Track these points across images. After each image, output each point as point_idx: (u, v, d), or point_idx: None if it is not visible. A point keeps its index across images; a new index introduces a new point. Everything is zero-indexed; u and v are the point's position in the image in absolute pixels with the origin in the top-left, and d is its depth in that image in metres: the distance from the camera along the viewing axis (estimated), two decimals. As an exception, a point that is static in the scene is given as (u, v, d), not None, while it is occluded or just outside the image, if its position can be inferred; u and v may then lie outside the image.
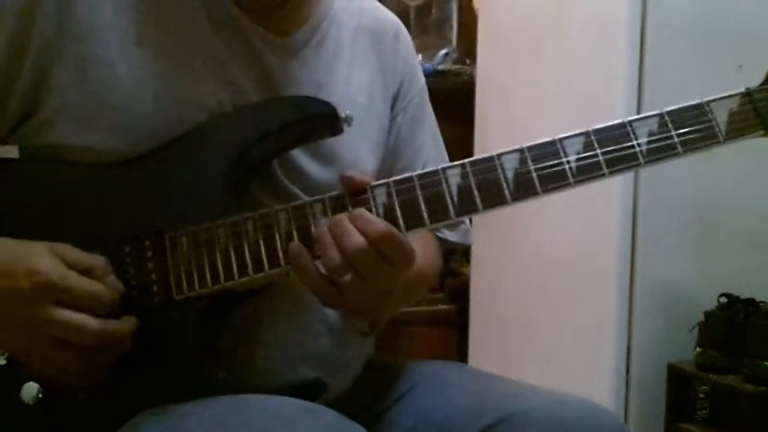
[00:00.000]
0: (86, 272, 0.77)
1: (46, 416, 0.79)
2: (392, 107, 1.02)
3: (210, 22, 0.87)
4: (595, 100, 1.88)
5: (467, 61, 2.67)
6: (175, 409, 0.76)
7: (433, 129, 1.08)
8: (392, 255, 0.77)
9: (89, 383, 0.78)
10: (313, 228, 0.79)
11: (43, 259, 0.75)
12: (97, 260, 0.78)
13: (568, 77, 2.00)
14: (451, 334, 2.61)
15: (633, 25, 1.83)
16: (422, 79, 1.08)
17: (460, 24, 2.77)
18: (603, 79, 1.88)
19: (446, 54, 2.67)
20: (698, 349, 1.79)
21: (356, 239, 0.76)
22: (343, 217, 0.77)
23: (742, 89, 0.83)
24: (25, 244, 0.77)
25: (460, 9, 2.78)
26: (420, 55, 2.62)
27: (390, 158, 1.01)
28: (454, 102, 2.51)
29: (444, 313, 2.59)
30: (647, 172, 1.83)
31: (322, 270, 0.78)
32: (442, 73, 2.65)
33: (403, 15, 2.67)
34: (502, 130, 2.26)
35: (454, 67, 2.69)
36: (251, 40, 0.89)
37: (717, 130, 0.81)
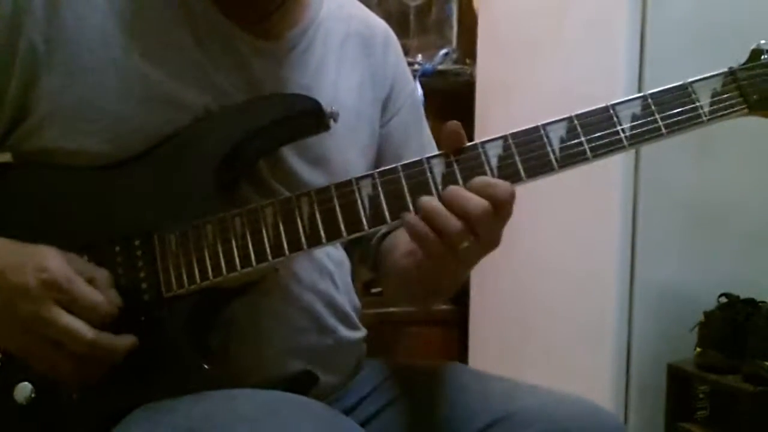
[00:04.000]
0: (89, 282, 0.78)
1: (39, 416, 0.80)
2: (384, 111, 1.03)
3: (193, 35, 0.88)
4: (595, 100, 1.87)
5: (467, 61, 2.67)
6: (166, 406, 0.76)
7: (425, 134, 1.09)
8: (509, 211, 0.78)
9: (82, 384, 0.79)
10: (412, 207, 0.78)
11: (54, 259, 0.77)
12: (101, 273, 0.80)
13: (568, 77, 2.00)
14: (451, 334, 2.61)
15: (633, 25, 1.83)
16: (412, 85, 1.10)
17: (460, 24, 2.76)
18: (603, 79, 1.88)
19: (446, 54, 2.66)
20: (698, 349, 1.79)
21: (478, 202, 0.75)
22: (459, 188, 0.77)
23: (725, 69, 0.83)
24: (37, 245, 0.78)
25: (460, 9, 2.77)
26: (420, 55, 2.62)
27: (390, 161, 1.01)
28: (454, 102, 2.51)
29: (444, 313, 2.58)
30: (647, 173, 1.83)
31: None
32: (442, 73, 2.64)
33: (403, 15, 2.67)
34: (502, 130, 2.25)
35: (454, 67, 2.68)
36: (237, 46, 0.90)
37: (701, 110, 0.81)
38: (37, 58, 0.83)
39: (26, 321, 0.75)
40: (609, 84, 1.86)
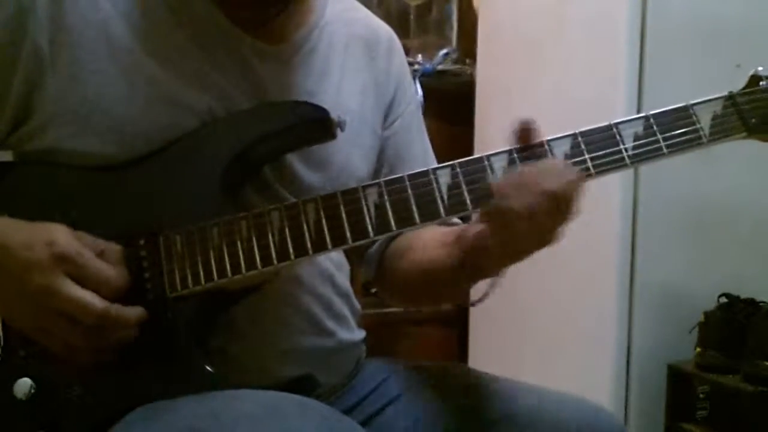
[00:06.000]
0: (99, 255, 0.78)
1: (39, 412, 0.80)
2: (387, 115, 1.03)
3: (194, 38, 0.88)
4: (595, 101, 1.88)
5: (467, 61, 2.67)
6: (167, 405, 0.76)
7: (426, 140, 1.09)
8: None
9: (96, 362, 0.79)
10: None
11: (62, 233, 0.77)
12: (111, 246, 0.80)
13: (568, 77, 2.00)
14: (451, 334, 2.61)
15: (633, 25, 1.83)
16: (413, 88, 1.11)
17: (460, 24, 2.76)
18: (603, 80, 1.88)
19: (446, 54, 2.66)
20: (698, 349, 1.79)
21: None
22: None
23: (725, 93, 0.86)
24: (44, 222, 0.79)
25: (460, 9, 2.77)
26: (420, 55, 2.62)
27: (389, 167, 1.01)
28: (454, 102, 2.52)
29: (444, 313, 2.59)
30: (647, 174, 1.83)
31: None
32: (442, 73, 2.64)
33: (403, 15, 2.67)
34: (502, 130, 2.25)
35: (454, 67, 2.68)
36: (241, 50, 0.90)
37: (701, 132, 0.84)
38: (41, 60, 0.83)
39: (38, 295, 0.75)
40: (609, 84, 1.86)
